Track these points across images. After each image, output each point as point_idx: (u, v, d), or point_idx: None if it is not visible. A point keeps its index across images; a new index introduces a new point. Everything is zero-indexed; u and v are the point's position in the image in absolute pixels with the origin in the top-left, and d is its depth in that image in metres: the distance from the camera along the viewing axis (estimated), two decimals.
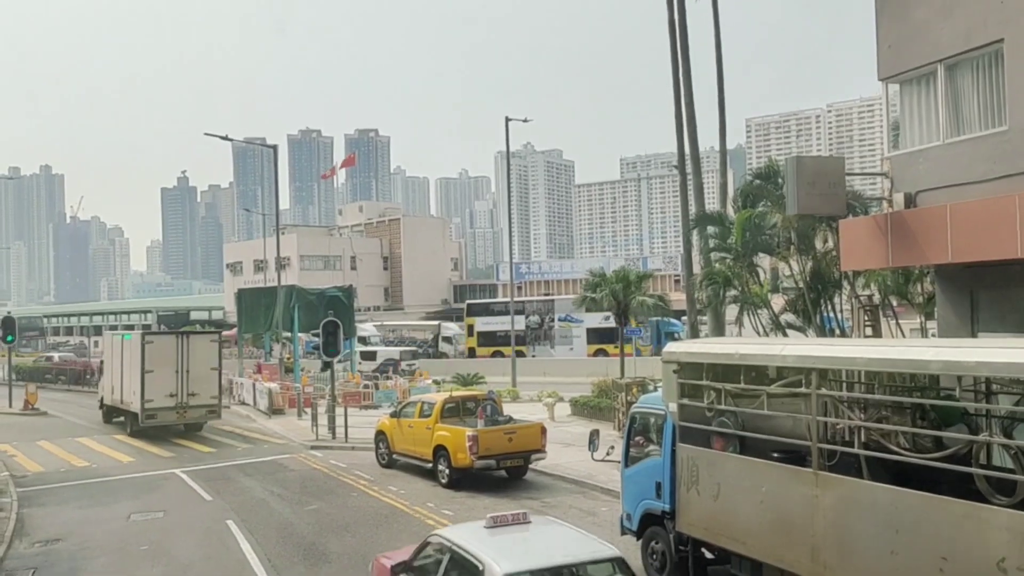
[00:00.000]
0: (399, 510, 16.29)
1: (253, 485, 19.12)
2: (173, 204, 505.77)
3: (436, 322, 71.84)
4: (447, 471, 17.99)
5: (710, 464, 10.21)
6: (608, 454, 12.87)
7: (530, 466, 18.65)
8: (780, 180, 19.61)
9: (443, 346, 65.06)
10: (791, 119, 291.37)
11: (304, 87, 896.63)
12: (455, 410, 19.13)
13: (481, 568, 7.35)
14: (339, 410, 25.29)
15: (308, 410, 27.91)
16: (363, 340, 65.52)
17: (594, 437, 13.09)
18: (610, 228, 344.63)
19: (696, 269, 25.57)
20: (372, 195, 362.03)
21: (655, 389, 21.69)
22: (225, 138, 35.42)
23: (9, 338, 33.22)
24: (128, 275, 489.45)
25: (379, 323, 75.42)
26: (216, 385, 26.84)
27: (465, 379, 37.40)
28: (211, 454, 23.63)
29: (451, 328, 68.12)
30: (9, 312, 33.92)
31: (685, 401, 10.66)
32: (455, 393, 21.19)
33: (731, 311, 22.54)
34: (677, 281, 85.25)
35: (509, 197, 42.96)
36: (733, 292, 20.18)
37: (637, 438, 12.16)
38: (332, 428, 25.02)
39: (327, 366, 26.33)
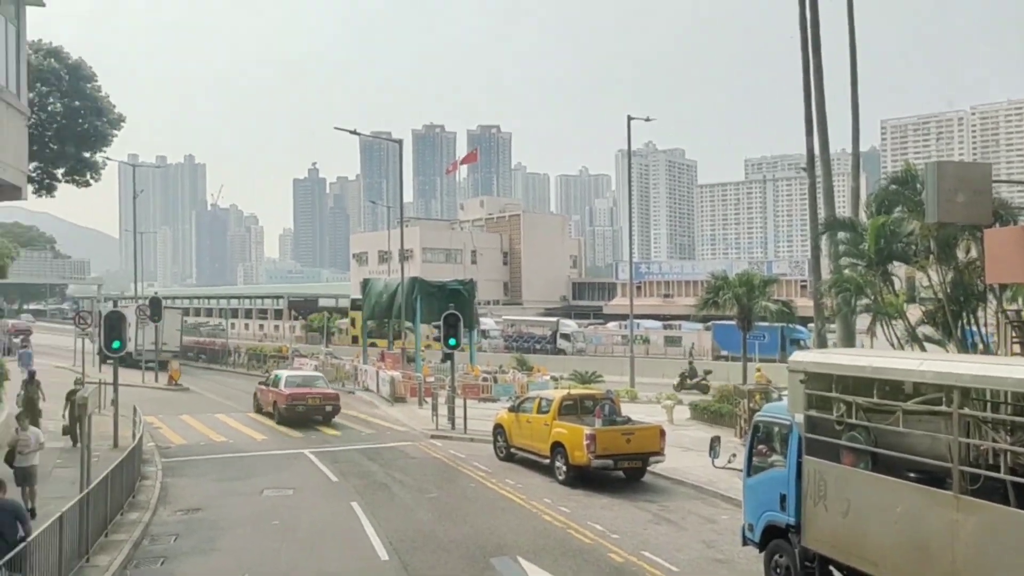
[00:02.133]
0: (516, 503, 16.53)
1: (376, 470, 19.81)
2: (304, 195, 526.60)
3: (555, 318, 72.09)
4: (564, 468, 18.11)
5: (839, 479, 9.91)
6: (730, 462, 12.68)
7: (648, 469, 18.54)
8: (919, 186, 18.74)
9: (561, 343, 65.28)
10: (931, 121, 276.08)
11: (429, 84, 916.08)
12: (573, 408, 19.21)
13: None
14: (458, 401, 25.85)
15: (428, 400, 28.65)
16: (483, 333, 66.57)
17: (715, 444, 12.90)
18: (733, 230, 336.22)
19: (825, 275, 24.72)
20: (493, 190, 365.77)
21: (779, 398, 21.18)
22: (354, 132, 36.66)
23: (156, 318, 35.58)
24: (262, 261, 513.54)
25: (498, 317, 76.34)
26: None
27: (583, 377, 37.43)
28: (337, 437, 24.61)
29: (569, 325, 68.29)
30: (156, 292, 36.16)
31: (813, 412, 10.38)
32: (573, 391, 21.27)
33: (861, 320, 21.74)
34: (803, 287, 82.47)
35: (630, 195, 42.73)
36: (865, 301, 19.40)
37: (760, 447, 11.91)
38: (452, 419, 25.60)
39: (447, 357, 26.93)
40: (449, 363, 26.66)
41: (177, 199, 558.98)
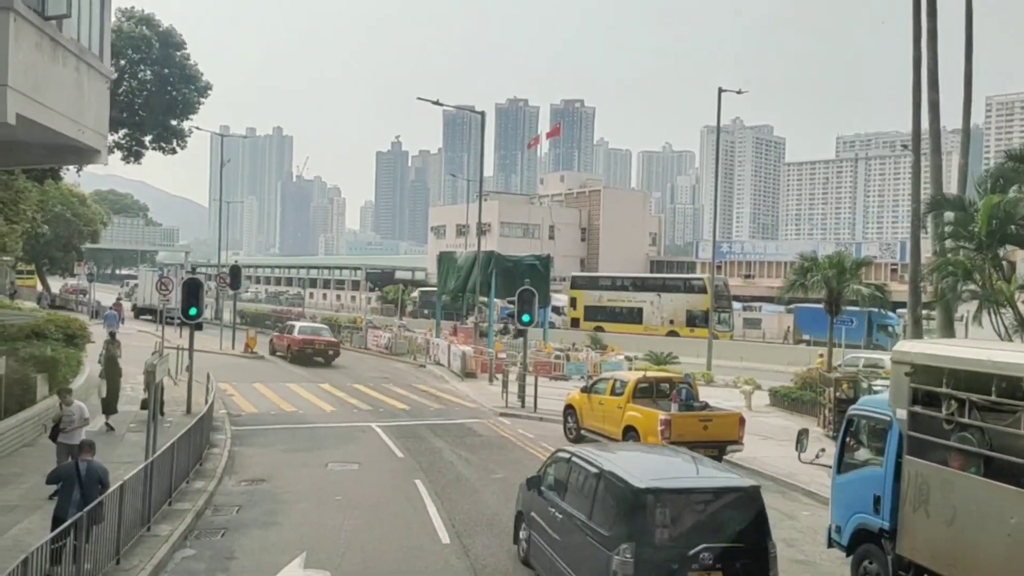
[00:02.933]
0: None
1: (442, 447, 19.39)
2: (386, 167, 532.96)
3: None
4: None
5: (945, 484, 8.89)
6: (818, 456, 11.68)
7: (725, 457, 17.58)
8: None
9: None
10: None
11: (515, 57, 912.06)
12: (648, 391, 18.38)
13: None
14: (529, 379, 25.27)
15: (499, 376, 28.13)
16: (556, 310, 65.92)
17: (803, 436, 11.93)
18: (820, 210, 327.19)
19: (924, 259, 23.13)
20: (574, 166, 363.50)
21: (869, 387, 19.85)
22: (436, 103, 36.19)
23: (237, 285, 36.01)
24: (343, 232, 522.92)
25: None
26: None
27: (658, 357, 36.40)
28: (405, 411, 24.32)
29: None
30: (236, 261, 36.61)
31: (918, 409, 9.36)
32: (649, 373, 20.36)
33: (963, 308, 20.22)
34: (894, 270, 79.04)
35: (717, 171, 41.13)
36: (972, 287, 17.92)
37: (853, 442, 10.93)
38: (522, 396, 25.02)
39: (520, 334, 26.34)
40: (522, 340, 26.05)
41: (264, 170, 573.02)
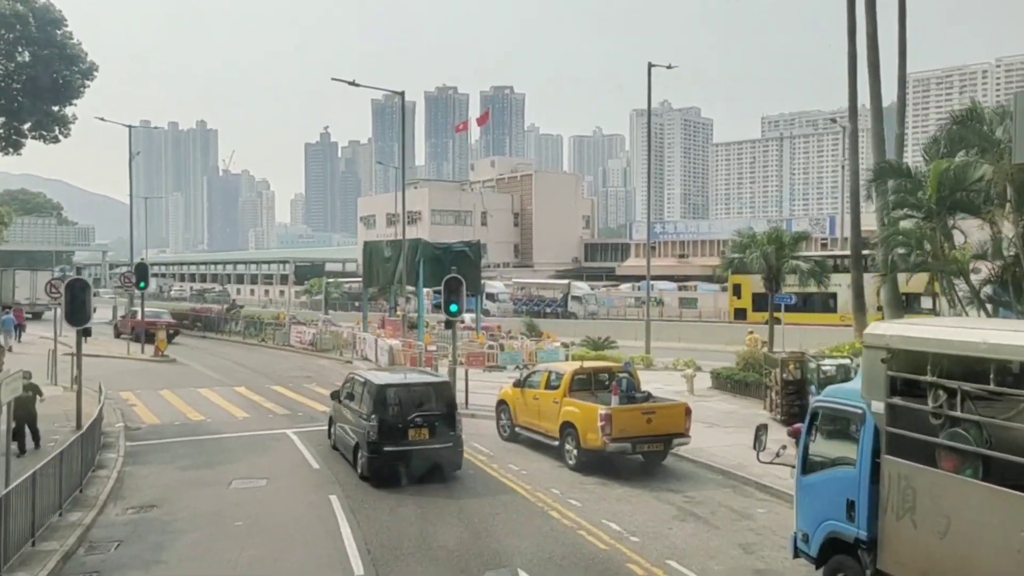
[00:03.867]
0: (519, 495, 14.29)
1: None
2: (315, 159, 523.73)
3: (566, 281, 69.71)
4: (575, 452, 15.83)
5: (936, 489, 7.56)
6: (778, 455, 10.30)
7: (671, 452, 16.25)
8: (986, 126, 16.14)
9: (572, 306, 62.98)
10: (953, 74, 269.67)
11: (443, 46, 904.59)
12: (586, 382, 16.90)
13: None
14: (461, 372, 23.58)
15: (429, 370, 26.35)
16: (491, 297, 64.36)
17: (761, 434, 10.54)
18: (748, 189, 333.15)
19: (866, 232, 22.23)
20: (506, 152, 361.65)
21: (818, 368, 18.76)
22: (353, 83, 33.97)
23: (142, 284, 33.40)
24: (273, 226, 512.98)
25: (507, 280, 74.05)
26: None
27: (595, 343, 35.13)
28: (326, 414, 22.37)
29: (581, 287, 65.90)
30: (143, 259, 33.96)
31: (897, 401, 8.02)
32: (587, 363, 18.85)
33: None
34: (824, 245, 79.54)
35: (649, 148, 40.01)
36: (922, 258, 16.90)
37: (818, 438, 9.56)
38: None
39: (449, 325, 24.66)
40: (451, 331, 24.33)
41: (189, 165, 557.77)
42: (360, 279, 51.54)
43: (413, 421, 14.71)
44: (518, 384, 18.45)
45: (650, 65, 35.58)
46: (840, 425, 9.15)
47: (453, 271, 23.49)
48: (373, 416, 14.57)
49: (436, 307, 25.38)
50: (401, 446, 14.63)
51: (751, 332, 33.27)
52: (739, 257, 27.56)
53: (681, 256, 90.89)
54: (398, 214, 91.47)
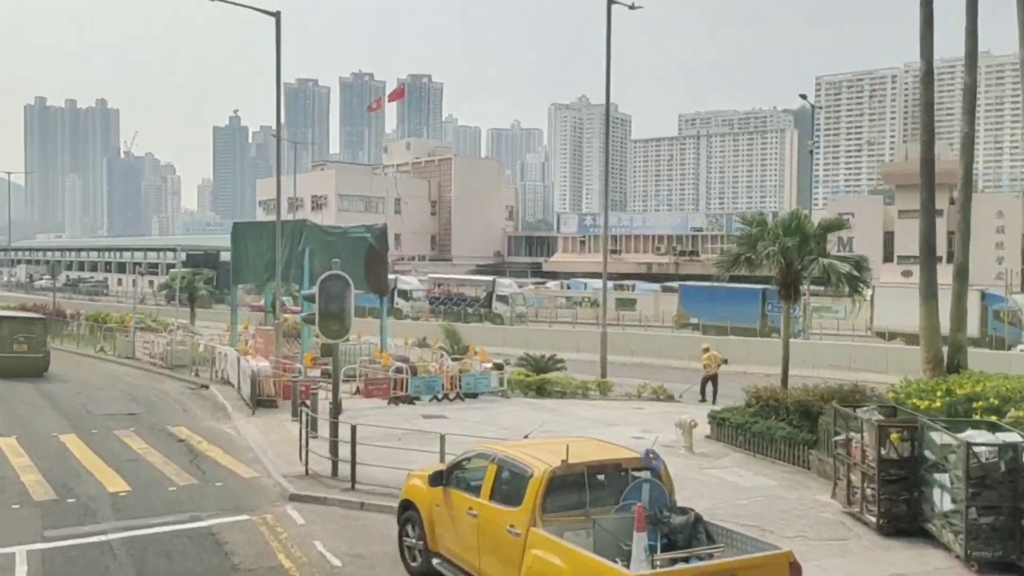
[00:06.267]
0: None
1: None
2: (224, 143, 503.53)
3: (490, 277, 61.46)
4: None
5: None
6: None
7: None
8: None
9: (497, 306, 54.81)
10: (864, 79, 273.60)
11: (359, 33, 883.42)
12: (574, 491, 8.56)
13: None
14: (358, 406, 15.06)
15: (308, 404, 17.61)
16: (404, 295, 55.67)
17: None
18: (666, 186, 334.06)
19: None
20: None
21: (966, 449, 10.92)
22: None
23: None
24: (179, 212, 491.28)
25: (423, 275, 65.40)
26: None
27: (537, 362, 27.02)
28: (120, 496, 13.49)
29: (507, 285, 57.72)
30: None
31: None
32: (573, 457, 9.57)
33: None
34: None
35: (607, 116, 32.46)
36: None
37: None
38: (334, 456, 14.75)
39: (327, 351, 16.15)
40: (332, 359, 15.69)
41: (88, 146, 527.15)
42: None
43: None
44: (439, 479, 9.91)
45: (610, 2, 27.75)
46: None
47: (336, 265, 14.98)
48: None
49: (305, 320, 16.60)
50: None
51: (706, 348, 26.02)
52: (746, 254, 19.72)
53: (614, 251, 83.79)
54: (301, 198, 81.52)
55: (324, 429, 15.75)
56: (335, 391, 15.23)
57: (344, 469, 14.17)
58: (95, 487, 14.04)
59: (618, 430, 17.69)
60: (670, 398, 25.26)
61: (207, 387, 24.39)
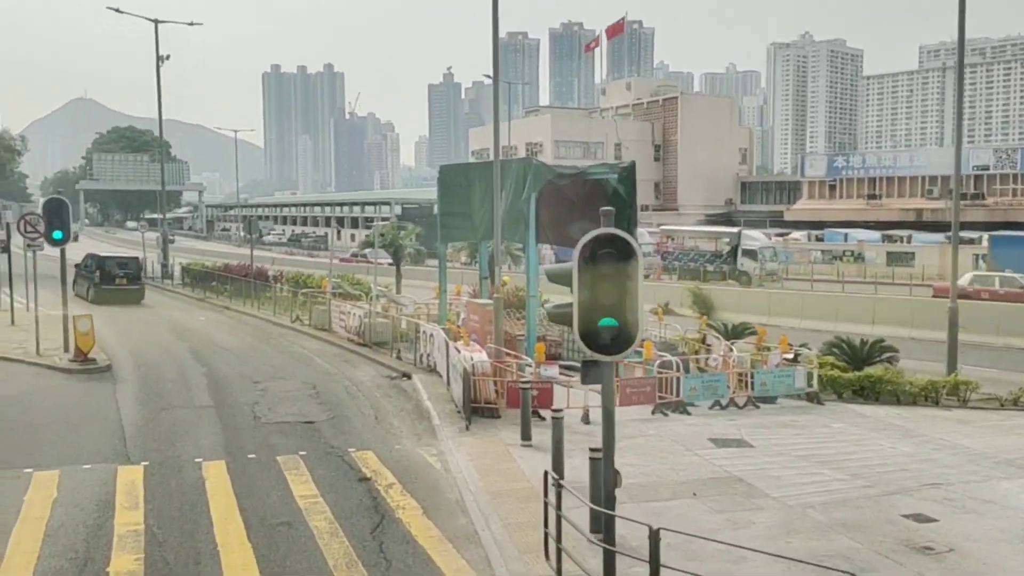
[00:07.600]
0: None
1: None
2: (439, 100, 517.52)
3: (735, 228, 52.78)
4: None
5: None
6: None
7: None
8: None
9: (744, 262, 46.40)
10: None
11: None
12: None
13: None
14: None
15: (545, 419, 11.18)
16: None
17: None
18: (904, 124, 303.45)
19: None
20: None
21: None
22: None
23: (57, 234, 19.67)
24: (398, 168, 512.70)
25: (652, 227, 57.95)
26: None
27: (853, 349, 19.15)
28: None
29: (756, 237, 49.03)
30: (59, 192, 20.13)
31: None
32: None
33: None
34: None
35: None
36: None
37: None
38: (610, 567, 8.16)
39: (561, 318, 9.51)
40: (602, 379, 9.06)
41: (317, 108, 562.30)
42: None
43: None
44: None
45: None
46: None
47: (607, 219, 8.17)
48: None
49: (553, 319, 9.97)
50: None
51: None
52: None
53: (871, 197, 71.83)
54: (516, 146, 76.26)
55: (577, 464, 9.23)
56: (607, 442, 8.50)
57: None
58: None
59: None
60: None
61: (409, 377, 18.76)
